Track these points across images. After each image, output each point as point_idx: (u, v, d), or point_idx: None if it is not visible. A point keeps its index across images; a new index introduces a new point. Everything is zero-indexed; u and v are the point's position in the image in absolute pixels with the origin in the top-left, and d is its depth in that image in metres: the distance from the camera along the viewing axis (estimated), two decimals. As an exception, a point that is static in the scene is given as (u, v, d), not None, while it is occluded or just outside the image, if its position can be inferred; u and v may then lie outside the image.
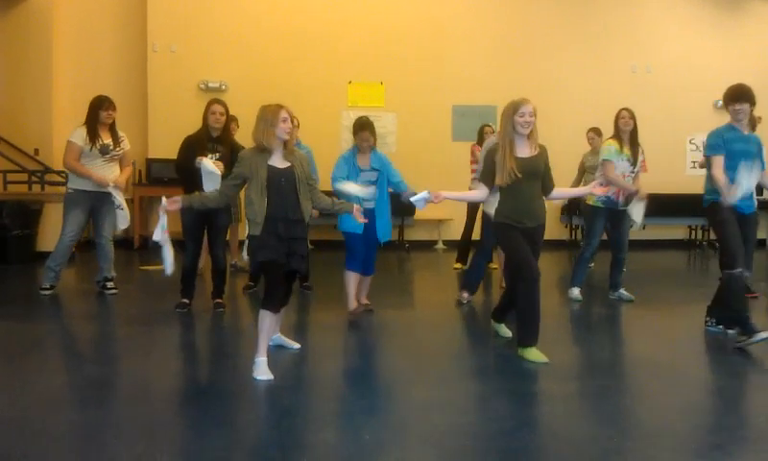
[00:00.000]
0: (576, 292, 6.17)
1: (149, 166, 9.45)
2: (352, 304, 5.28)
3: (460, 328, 5.47)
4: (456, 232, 10.13)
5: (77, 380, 3.94)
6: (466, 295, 6.01)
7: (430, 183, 10.01)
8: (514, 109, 4.25)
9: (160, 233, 4.09)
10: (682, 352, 4.90)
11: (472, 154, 7.97)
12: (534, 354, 4.21)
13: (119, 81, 9.71)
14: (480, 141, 7.90)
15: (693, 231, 11.14)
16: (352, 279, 5.31)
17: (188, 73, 9.64)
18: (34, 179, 8.70)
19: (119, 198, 5.85)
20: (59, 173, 8.65)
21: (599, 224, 6.07)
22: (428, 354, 4.57)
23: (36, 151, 9.17)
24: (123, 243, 9.32)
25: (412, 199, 4.38)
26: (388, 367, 4.43)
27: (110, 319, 5.55)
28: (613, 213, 6.02)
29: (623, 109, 6.12)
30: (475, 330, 5.48)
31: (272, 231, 3.84)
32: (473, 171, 7.88)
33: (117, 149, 6.00)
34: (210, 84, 9.69)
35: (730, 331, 4.92)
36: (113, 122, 6.00)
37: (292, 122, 3.99)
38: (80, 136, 5.83)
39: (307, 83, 9.78)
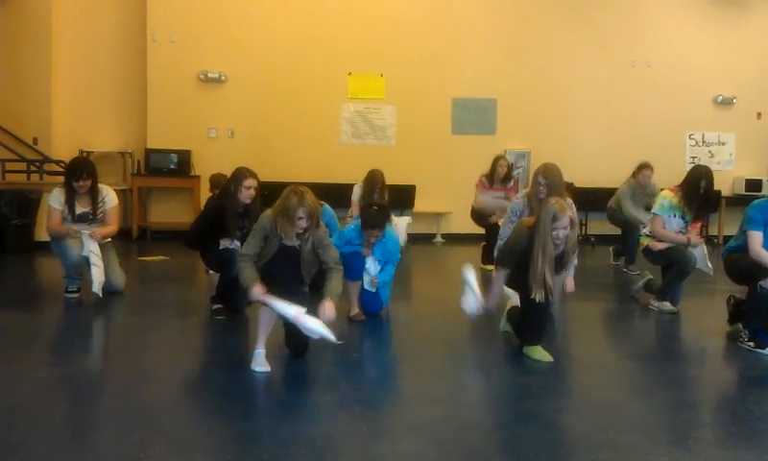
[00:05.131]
0: (666, 304, 5.58)
1: (147, 156, 9.43)
2: (353, 310, 5.07)
3: (458, 322, 5.46)
4: (456, 226, 10.16)
5: (74, 370, 3.94)
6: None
7: (429, 176, 10.16)
8: (553, 217, 3.99)
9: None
10: (680, 347, 4.91)
11: (476, 188, 7.70)
12: (539, 352, 4.15)
13: (118, 70, 9.70)
14: (492, 173, 7.61)
15: (692, 227, 11.14)
16: (354, 287, 5.07)
17: (188, 63, 9.61)
18: (32, 168, 8.69)
19: (93, 253, 5.31)
20: (57, 162, 8.65)
21: (667, 249, 5.58)
22: (426, 347, 4.57)
23: (35, 140, 9.16)
24: (121, 234, 9.32)
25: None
26: (385, 359, 4.44)
27: (108, 310, 5.55)
28: None
29: (704, 177, 5.49)
30: (474, 324, 5.48)
31: (267, 280, 3.85)
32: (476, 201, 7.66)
33: (99, 214, 5.56)
34: (210, 75, 9.66)
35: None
36: (93, 185, 5.52)
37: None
38: (58, 200, 5.46)
39: (307, 74, 9.77)
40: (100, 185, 5.64)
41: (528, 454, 2.84)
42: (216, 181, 6.57)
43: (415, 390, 3.64)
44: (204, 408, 3.34)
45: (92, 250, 5.32)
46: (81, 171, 5.49)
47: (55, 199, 5.50)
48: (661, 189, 6.01)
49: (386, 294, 5.25)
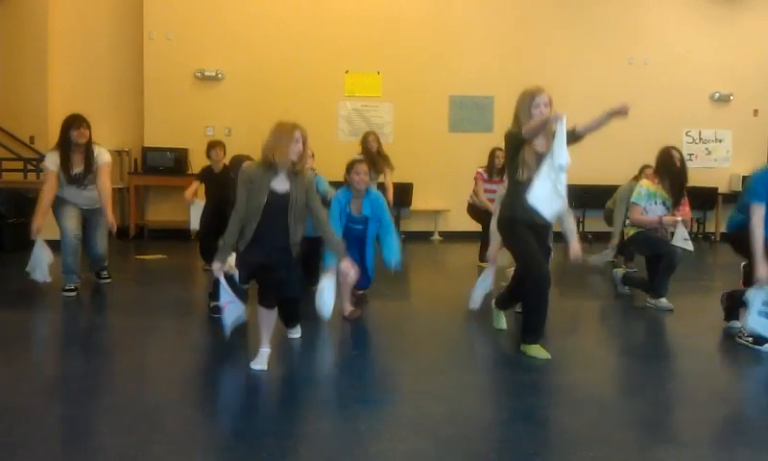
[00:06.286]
0: (663, 301, 5.60)
1: (144, 155, 9.43)
2: (347, 309, 5.03)
3: (456, 320, 5.47)
4: (453, 224, 10.18)
5: (73, 369, 3.94)
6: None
7: (426, 173, 10.14)
8: (529, 100, 4.12)
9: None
10: (677, 345, 4.93)
11: (476, 181, 7.57)
12: (536, 350, 4.16)
13: (115, 68, 9.69)
14: (490, 164, 7.52)
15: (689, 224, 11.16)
16: (347, 284, 4.98)
17: (184, 61, 9.60)
18: (29, 167, 8.67)
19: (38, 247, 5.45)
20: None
21: (653, 238, 5.64)
22: (424, 345, 4.58)
23: (32, 139, 9.14)
24: (118, 232, 9.30)
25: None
26: (383, 357, 4.44)
27: (107, 309, 5.56)
28: None
29: (673, 148, 5.65)
30: (472, 322, 5.49)
31: (258, 251, 3.84)
32: (475, 194, 7.51)
33: (89, 176, 5.59)
34: (207, 73, 9.66)
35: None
36: (88, 141, 5.58)
37: (305, 149, 3.85)
38: (53, 162, 5.52)
39: (304, 72, 9.76)
40: (94, 144, 5.68)
41: (525, 451, 2.85)
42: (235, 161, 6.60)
43: (413, 388, 3.65)
44: (203, 407, 3.35)
45: (38, 248, 5.44)
46: (80, 120, 5.55)
47: (51, 161, 5.55)
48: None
49: (367, 271, 5.14)
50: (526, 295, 4.28)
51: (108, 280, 6.10)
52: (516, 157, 4.14)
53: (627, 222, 5.91)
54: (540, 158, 4.04)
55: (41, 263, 5.47)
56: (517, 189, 4.10)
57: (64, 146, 5.52)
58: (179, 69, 9.59)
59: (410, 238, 9.93)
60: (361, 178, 4.97)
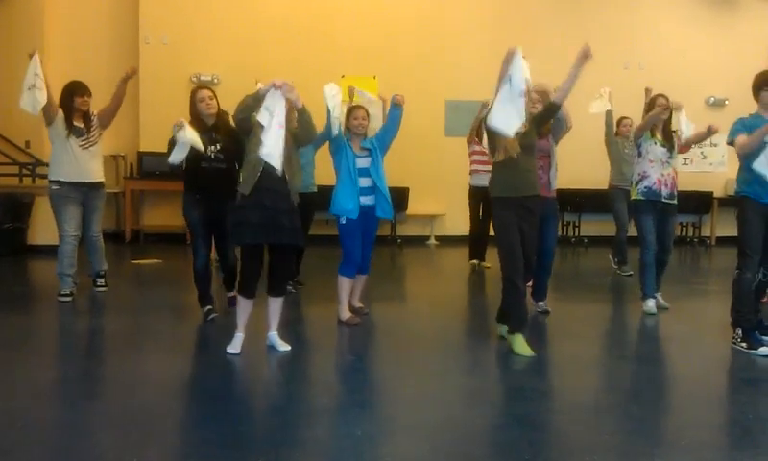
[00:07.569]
0: (650, 304, 5.52)
1: (140, 159, 9.40)
2: (345, 314, 4.97)
3: (452, 324, 5.47)
4: (449, 228, 10.18)
5: (68, 374, 3.92)
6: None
7: (422, 178, 10.14)
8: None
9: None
10: (673, 348, 4.93)
11: (468, 144, 7.75)
12: (520, 345, 4.19)
13: (111, 73, 9.56)
14: (477, 129, 7.62)
15: (684, 228, 11.19)
16: (346, 284, 4.96)
17: (180, 66, 9.59)
18: (24, 171, 8.65)
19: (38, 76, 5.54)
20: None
21: (645, 219, 5.53)
22: (420, 350, 4.57)
23: (27, 143, 9.11)
24: (114, 237, 9.29)
25: None
26: (379, 362, 4.44)
27: (102, 313, 5.53)
28: (657, 207, 5.54)
29: (660, 95, 5.67)
30: (468, 326, 5.49)
31: (258, 204, 3.98)
32: (475, 161, 7.67)
33: (92, 132, 5.81)
34: (203, 77, 9.64)
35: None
36: (88, 109, 5.78)
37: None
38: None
39: (300, 76, 9.70)
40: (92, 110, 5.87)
41: (523, 456, 2.84)
42: None
43: (409, 392, 3.64)
44: (199, 412, 3.33)
45: (37, 73, 5.52)
46: (83, 89, 5.75)
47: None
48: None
49: (384, 200, 5.33)
50: (503, 283, 4.38)
51: (104, 289, 6.03)
52: (493, 138, 4.36)
53: (635, 177, 5.69)
54: (517, 138, 4.26)
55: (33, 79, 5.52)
56: (499, 168, 4.39)
57: (66, 109, 5.68)
58: (174, 74, 9.57)
59: (406, 243, 9.92)
60: (360, 122, 5.20)
